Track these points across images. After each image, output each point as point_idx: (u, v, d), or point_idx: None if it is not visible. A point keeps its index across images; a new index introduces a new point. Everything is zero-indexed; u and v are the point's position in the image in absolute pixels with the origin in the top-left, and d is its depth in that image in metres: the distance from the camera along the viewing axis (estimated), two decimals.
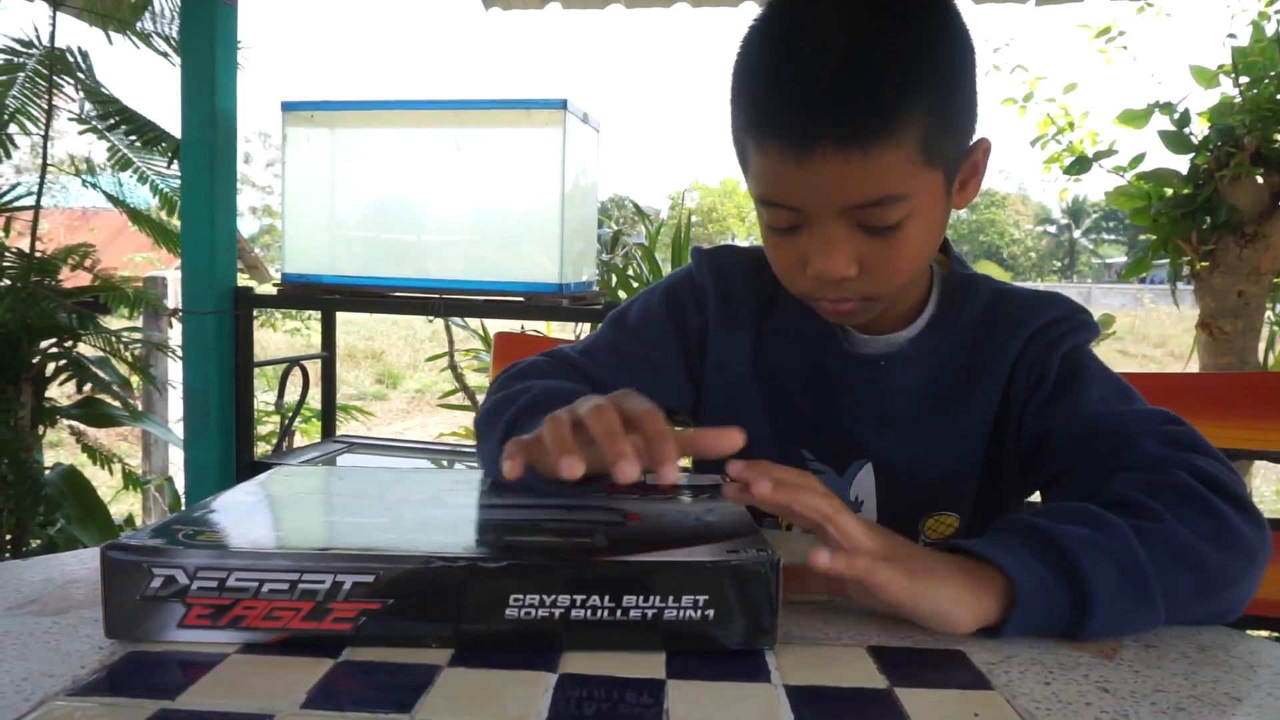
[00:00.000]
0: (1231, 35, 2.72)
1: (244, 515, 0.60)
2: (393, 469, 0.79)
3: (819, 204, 0.65)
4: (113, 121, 2.48)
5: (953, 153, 0.68)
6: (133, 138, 2.53)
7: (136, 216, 2.63)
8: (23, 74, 2.27)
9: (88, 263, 2.48)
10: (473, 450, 2.83)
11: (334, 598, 0.51)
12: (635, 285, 3.23)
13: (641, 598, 0.51)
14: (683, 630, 0.51)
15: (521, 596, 0.51)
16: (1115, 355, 11.07)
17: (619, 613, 0.51)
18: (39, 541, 2.35)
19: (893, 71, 0.62)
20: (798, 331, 0.82)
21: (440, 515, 0.61)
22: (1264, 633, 1.43)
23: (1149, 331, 13.10)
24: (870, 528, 0.57)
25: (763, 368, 0.83)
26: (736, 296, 0.84)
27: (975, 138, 0.71)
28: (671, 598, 0.51)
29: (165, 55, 2.49)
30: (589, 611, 0.51)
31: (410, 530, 0.57)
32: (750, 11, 2.66)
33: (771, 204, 0.68)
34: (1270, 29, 2.67)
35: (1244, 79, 2.67)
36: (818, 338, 0.81)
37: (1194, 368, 2.94)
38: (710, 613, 0.51)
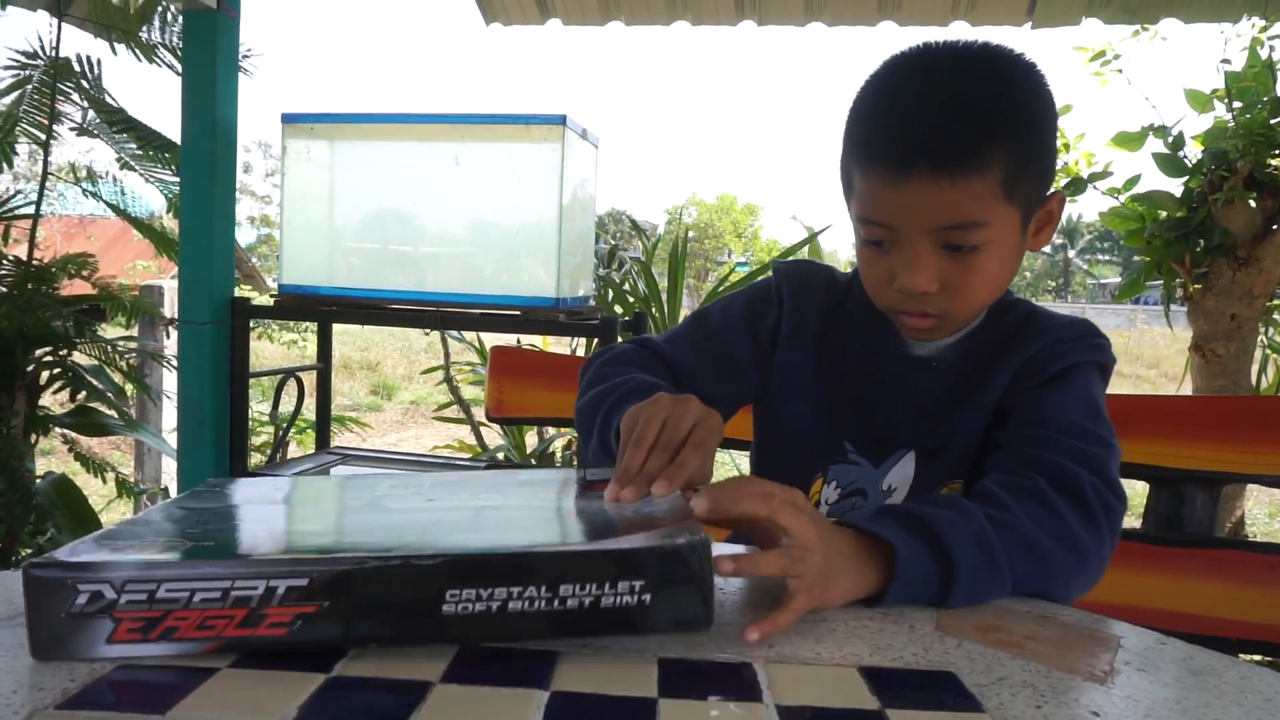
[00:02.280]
0: (1225, 60, 2.75)
1: (174, 528, 0.59)
2: (335, 478, 0.81)
3: (911, 223, 0.75)
4: (117, 131, 2.48)
5: (1030, 195, 0.77)
6: (133, 145, 2.53)
7: (139, 224, 2.63)
8: (30, 85, 2.27)
9: (85, 272, 2.47)
10: (465, 463, 2.83)
11: (268, 603, 0.50)
12: (631, 300, 3.24)
13: (578, 586, 0.52)
14: (621, 616, 0.52)
15: (458, 591, 0.51)
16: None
17: (556, 602, 0.52)
18: (29, 551, 2.34)
19: (983, 116, 0.73)
20: (861, 335, 0.91)
21: (377, 519, 0.62)
22: (1257, 657, 1.43)
23: (1143, 352, 13.12)
24: (810, 520, 0.62)
25: (823, 365, 0.92)
26: (808, 300, 0.94)
27: (1051, 189, 0.81)
28: (608, 584, 0.52)
29: (170, 66, 2.50)
30: (526, 603, 0.52)
31: (347, 533, 0.58)
32: (748, 30, 2.68)
33: (870, 222, 0.78)
34: (1264, 54, 2.69)
35: (1237, 104, 2.70)
36: (877, 341, 0.89)
37: (1188, 389, 2.95)
38: (647, 597, 0.52)
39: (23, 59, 2.33)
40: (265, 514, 0.66)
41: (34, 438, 2.40)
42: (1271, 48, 2.71)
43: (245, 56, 2.31)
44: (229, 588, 0.50)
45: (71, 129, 2.48)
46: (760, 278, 1.09)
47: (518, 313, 2.15)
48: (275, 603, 0.50)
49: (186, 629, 0.50)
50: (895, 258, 0.77)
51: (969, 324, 0.86)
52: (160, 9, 2.43)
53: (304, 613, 0.50)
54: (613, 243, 3.74)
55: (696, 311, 1.00)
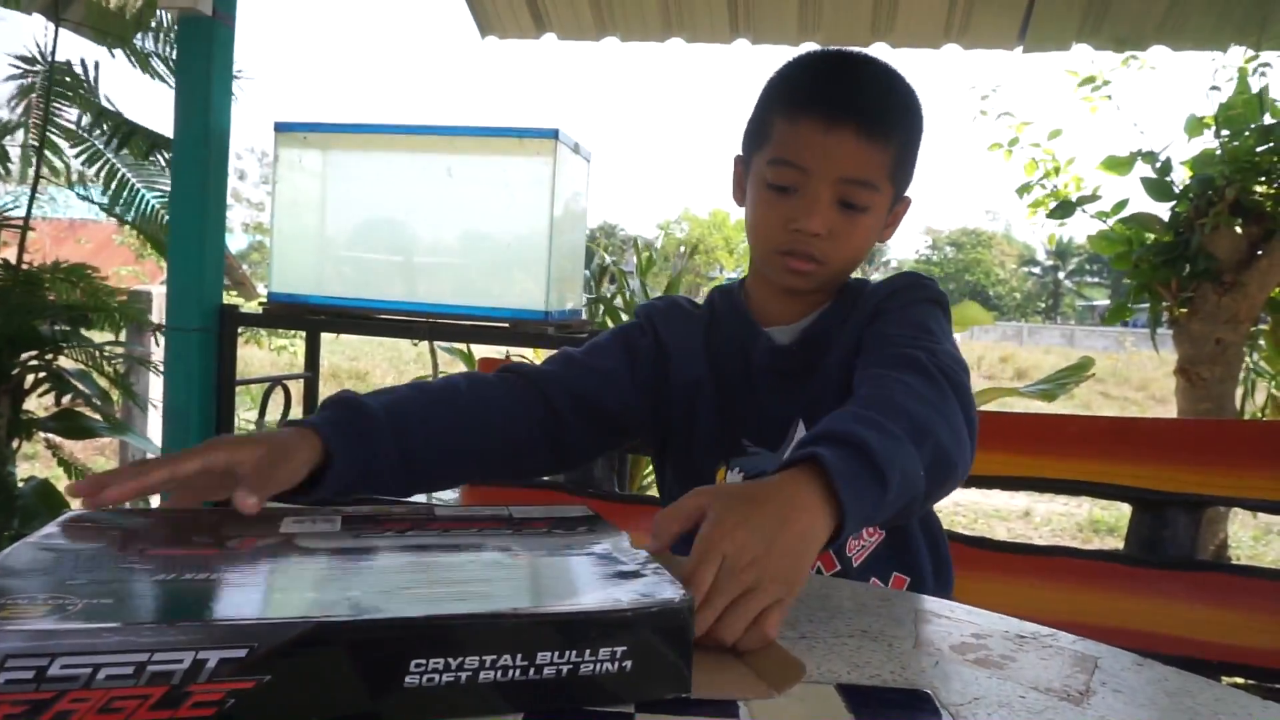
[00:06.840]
0: (1215, 88, 2.78)
1: (50, 580, 0.49)
2: (209, 510, 0.68)
3: (825, 168, 0.84)
4: (118, 137, 2.48)
5: (899, 184, 0.90)
6: (128, 152, 2.53)
7: (138, 229, 2.63)
8: (34, 95, 2.28)
9: (82, 286, 2.47)
10: None
11: (194, 679, 0.42)
12: (624, 315, 3.24)
13: (556, 654, 0.47)
14: (599, 684, 0.48)
15: (424, 661, 0.45)
16: (1097, 397, 11.12)
17: (532, 671, 0.47)
18: None
19: (898, 99, 0.87)
20: (732, 340, 0.95)
21: (298, 566, 0.54)
22: (1240, 679, 1.43)
23: (1131, 374, 13.18)
24: (714, 497, 0.62)
25: (713, 375, 0.95)
26: (682, 323, 0.99)
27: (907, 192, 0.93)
28: (589, 651, 0.48)
29: (162, 79, 2.50)
30: (499, 672, 0.46)
31: (278, 587, 0.50)
32: (742, 48, 2.70)
33: (785, 163, 0.86)
34: (1253, 83, 2.72)
35: (1225, 131, 2.73)
36: (747, 340, 0.94)
37: (1174, 412, 2.97)
38: (628, 664, 0.48)
39: (23, 65, 2.33)
40: (154, 558, 0.54)
41: (17, 442, 2.39)
42: (1263, 74, 2.74)
43: (237, 77, 2.31)
44: (145, 661, 0.41)
45: (66, 131, 2.47)
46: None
47: (506, 325, 2.15)
48: (204, 678, 0.42)
49: (86, 712, 0.41)
50: (795, 203, 0.85)
51: (830, 286, 0.93)
52: (156, 16, 2.44)
53: (240, 689, 0.43)
54: (607, 259, 3.75)
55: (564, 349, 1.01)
